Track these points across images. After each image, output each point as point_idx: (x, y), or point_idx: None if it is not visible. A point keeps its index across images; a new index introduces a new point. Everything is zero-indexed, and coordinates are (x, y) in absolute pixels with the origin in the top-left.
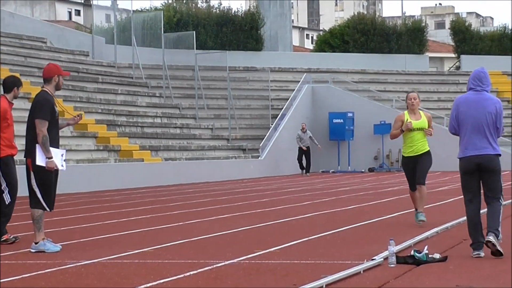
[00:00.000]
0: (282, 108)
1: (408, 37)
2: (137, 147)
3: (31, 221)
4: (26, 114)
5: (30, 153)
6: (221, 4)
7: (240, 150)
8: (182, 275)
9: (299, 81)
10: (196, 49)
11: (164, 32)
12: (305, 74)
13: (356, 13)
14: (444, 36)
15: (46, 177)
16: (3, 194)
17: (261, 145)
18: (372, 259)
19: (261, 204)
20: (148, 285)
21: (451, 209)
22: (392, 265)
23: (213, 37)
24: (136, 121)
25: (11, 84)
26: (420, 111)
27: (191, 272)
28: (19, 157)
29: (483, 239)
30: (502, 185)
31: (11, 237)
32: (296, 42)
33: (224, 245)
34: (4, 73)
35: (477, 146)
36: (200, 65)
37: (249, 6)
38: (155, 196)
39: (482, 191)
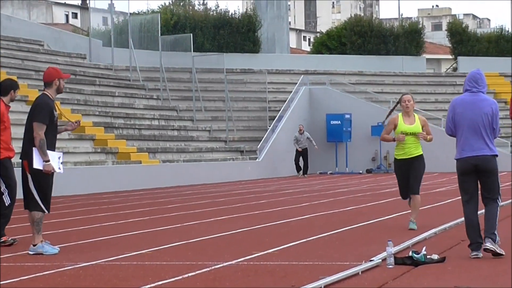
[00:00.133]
0: (280, 110)
1: (405, 39)
2: (135, 149)
3: (29, 223)
4: (23, 117)
5: (26, 155)
6: (218, 6)
7: (238, 152)
8: (180, 277)
9: (296, 83)
10: (194, 51)
11: (161, 35)
12: (302, 76)
13: (353, 15)
14: (441, 37)
15: (44, 180)
16: (3, 196)
17: (258, 147)
18: (371, 260)
19: (259, 206)
20: (146, 287)
21: (449, 210)
22: (390, 266)
23: (210, 39)
24: (134, 123)
25: (8, 87)
26: (415, 114)
27: (189, 274)
28: (16, 159)
29: (481, 240)
30: (500, 185)
31: (10, 239)
32: (293, 44)
33: (222, 246)
34: (1, 76)
35: (474, 147)
36: (197, 68)
37: (246, 9)
38: (153, 198)
39: (479, 192)
